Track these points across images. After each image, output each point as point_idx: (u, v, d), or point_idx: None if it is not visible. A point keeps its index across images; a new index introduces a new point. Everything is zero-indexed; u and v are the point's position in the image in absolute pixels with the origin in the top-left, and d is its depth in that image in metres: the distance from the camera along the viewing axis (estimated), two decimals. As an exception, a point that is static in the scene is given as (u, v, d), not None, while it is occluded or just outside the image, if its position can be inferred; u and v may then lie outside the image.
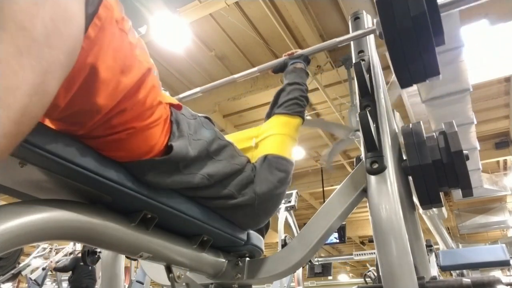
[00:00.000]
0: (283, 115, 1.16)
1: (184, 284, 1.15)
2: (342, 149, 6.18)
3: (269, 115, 1.23)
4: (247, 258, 1.04)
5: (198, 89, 1.61)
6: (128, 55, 0.59)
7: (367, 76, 1.12)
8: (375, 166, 0.94)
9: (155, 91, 0.67)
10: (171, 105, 0.75)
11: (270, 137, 1.10)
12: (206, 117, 0.94)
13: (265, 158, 1.01)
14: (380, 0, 0.97)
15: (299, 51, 1.39)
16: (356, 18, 1.31)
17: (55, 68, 0.44)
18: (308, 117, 5.61)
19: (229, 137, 1.03)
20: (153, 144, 0.68)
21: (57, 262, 5.08)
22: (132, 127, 0.63)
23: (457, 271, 3.70)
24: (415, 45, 0.98)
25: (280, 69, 1.41)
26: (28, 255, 5.28)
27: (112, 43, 0.55)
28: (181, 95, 1.63)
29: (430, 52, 0.99)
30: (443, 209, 6.07)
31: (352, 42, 1.28)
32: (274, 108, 1.21)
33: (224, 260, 1.03)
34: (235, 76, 1.53)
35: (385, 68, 1.16)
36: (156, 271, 1.29)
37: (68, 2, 0.46)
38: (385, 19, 0.98)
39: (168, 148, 0.71)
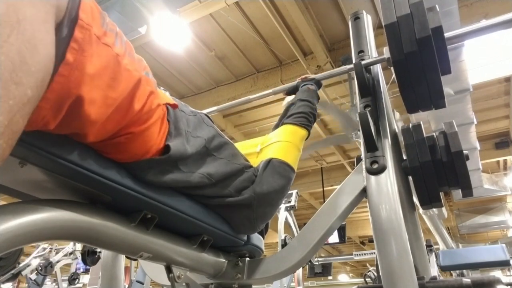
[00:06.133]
0: (291, 125, 1.19)
1: (184, 284, 1.15)
2: (332, 145, 6.30)
3: (277, 126, 1.27)
4: (247, 258, 1.04)
5: (214, 108, 1.68)
6: (115, 68, 0.56)
7: (367, 76, 1.12)
8: (375, 166, 0.94)
9: (153, 96, 0.66)
10: (168, 104, 0.75)
11: (275, 143, 1.11)
12: (205, 115, 0.94)
13: (269, 161, 1.01)
14: (388, 25, 1.02)
15: (311, 76, 1.50)
16: (356, 18, 1.31)
17: (23, 105, 0.41)
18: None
19: (236, 145, 1.03)
20: (152, 144, 0.68)
21: None
22: (130, 132, 0.63)
23: (457, 271, 3.70)
24: (420, 68, 1.02)
25: (292, 91, 1.50)
26: (28, 255, 5.27)
27: (95, 62, 0.52)
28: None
29: (434, 75, 1.03)
30: (443, 209, 6.07)
31: (352, 42, 1.28)
32: (283, 119, 1.25)
33: (224, 260, 1.03)
34: (251, 97, 1.66)
35: (385, 68, 1.16)
36: (156, 271, 1.29)
37: (35, 28, 0.42)
38: (393, 43, 1.02)
39: (166, 148, 0.71)
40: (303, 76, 1.50)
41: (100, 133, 0.59)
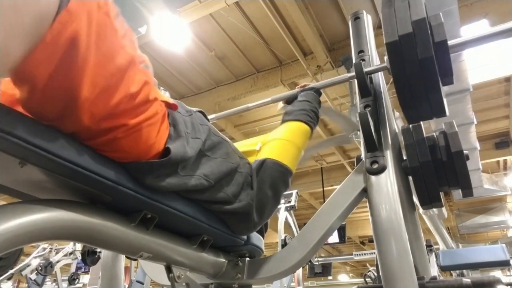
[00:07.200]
0: (291, 122, 1.16)
1: (184, 284, 1.15)
2: (333, 145, 6.25)
3: None
4: (247, 258, 1.04)
5: (213, 115, 1.67)
6: (112, 40, 0.57)
7: (367, 76, 1.12)
8: (375, 166, 0.94)
9: (148, 87, 0.65)
10: (167, 104, 0.73)
11: (272, 142, 1.08)
12: (200, 111, 0.93)
13: (263, 162, 0.99)
14: (389, 43, 0.99)
15: (311, 84, 1.46)
16: (356, 18, 1.31)
17: (17, 28, 0.43)
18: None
19: (237, 144, 1.02)
20: (151, 144, 0.68)
21: None
22: (125, 124, 0.61)
23: (457, 271, 3.70)
24: (422, 87, 1.00)
25: (292, 99, 1.46)
26: (28, 255, 5.27)
27: (93, 23, 0.53)
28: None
29: (436, 94, 1.01)
30: (443, 209, 6.07)
31: (352, 42, 1.28)
32: (284, 117, 1.22)
33: (224, 260, 1.03)
34: (249, 105, 1.62)
35: (385, 67, 1.16)
36: (156, 271, 1.29)
37: None
38: (394, 61, 1.00)
39: (166, 150, 0.70)
40: (302, 85, 1.48)
41: (91, 114, 0.57)
